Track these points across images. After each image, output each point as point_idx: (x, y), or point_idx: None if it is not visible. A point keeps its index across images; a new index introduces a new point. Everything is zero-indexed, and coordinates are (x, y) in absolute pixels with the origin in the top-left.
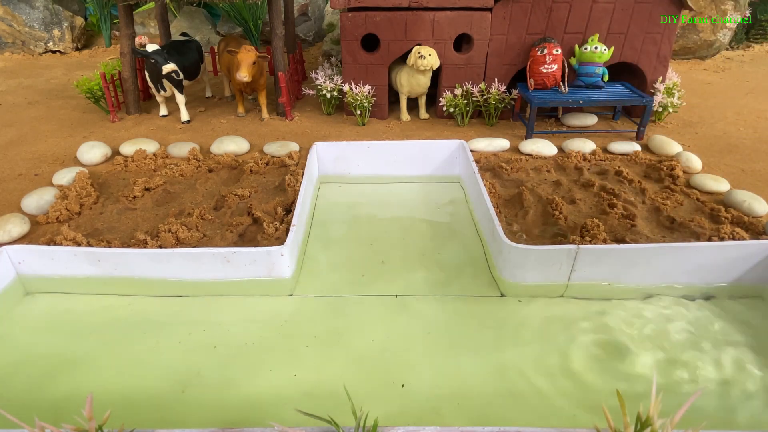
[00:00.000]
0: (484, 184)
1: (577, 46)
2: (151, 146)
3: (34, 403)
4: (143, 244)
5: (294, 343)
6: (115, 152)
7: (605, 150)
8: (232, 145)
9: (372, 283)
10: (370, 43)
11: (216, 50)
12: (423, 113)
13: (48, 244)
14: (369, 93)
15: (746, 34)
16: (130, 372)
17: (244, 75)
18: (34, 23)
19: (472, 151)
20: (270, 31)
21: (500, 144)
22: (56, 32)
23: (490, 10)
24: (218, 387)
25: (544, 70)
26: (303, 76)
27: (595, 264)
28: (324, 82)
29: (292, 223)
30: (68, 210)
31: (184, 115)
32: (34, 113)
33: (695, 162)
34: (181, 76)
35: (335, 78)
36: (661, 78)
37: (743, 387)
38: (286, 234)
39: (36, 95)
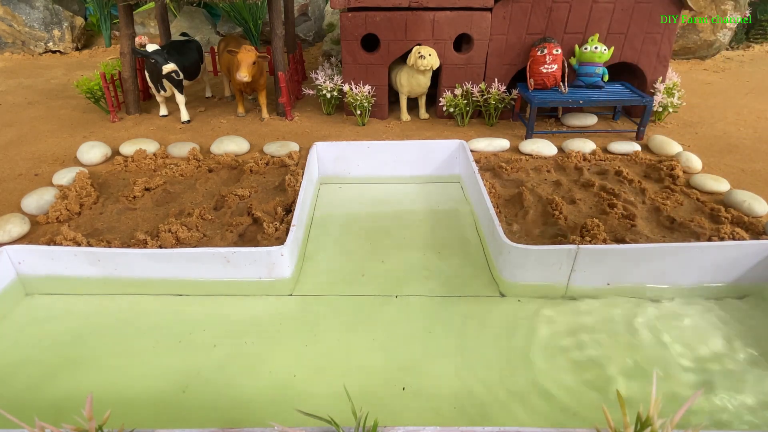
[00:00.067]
0: (484, 184)
1: (577, 46)
2: (151, 146)
3: (34, 403)
4: (143, 244)
5: (294, 343)
6: (115, 152)
7: (605, 150)
8: (232, 145)
9: (372, 283)
10: (370, 43)
11: (216, 50)
12: (423, 113)
13: (48, 244)
14: (369, 93)
15: (746, 34)
16: (130, 372)
17: (244, 75)
18: (34, 23)
19: (472, 151)
20: (270, 31)
21: (500, 144)
22: (56, 32)
23: (490, 10)
24: (218, 387)
25: (544, 70)
26: (303, 76)
27: (595, 264)
28: (324, 82)
29: (292, 223)
30: (68, 210)
31: (184, 115)
32: (34, 113)
33: (695, 162)
34: (181, 76)
35: (335, 78)
36: (661, 78)
37: (743, 386)
38: (286, 234)
39: (36, 95)
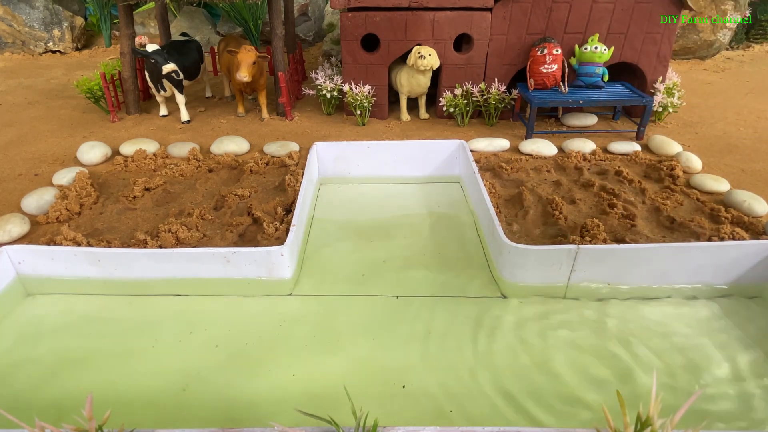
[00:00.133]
0: (484, 184)
1: (577, 46)
2: (151, 146)
3: (34, 403)
4: (143, 244)
5: (294, 343)
6: (115, 152)
7: (605, 150)
8: (232, 145)
9: (372, 283)
10: (370, 43)
11: (216, 50)
12: (423, 113)
13: (48, 244)
14: (369, 93)
15: (746, 34)
16: (130, 372)
17: (244, 75)
18: (34, 23)
19: (472, 151)
20: (270, 31)
21: (500, 144)
22: (56, 32)
23: (490, 10)
24: (218, 387)
25: (544, 70)
26: (303, 76)
27: (595, 264)
28: (324, 82)
29: (292, 223)
30: (68, 210)
31: (184, 115)
32: (34, 113)
33: (695, 162)
34: (181, 76)
35: (335, 78)
36: (661, 78)
37: (743, 386)
38: (286, 234)
39: (36, 95)
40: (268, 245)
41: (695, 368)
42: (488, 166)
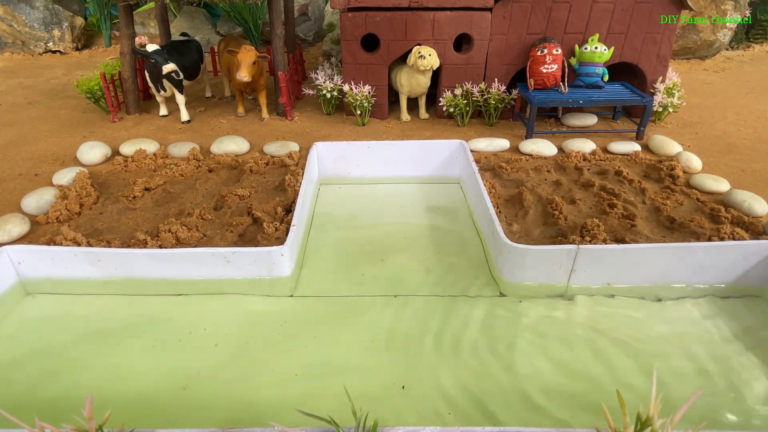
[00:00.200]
0: (484, 184)
1: (577, 46)
2: (151, 146)
3: (34, 403)
4: (143, 244)
5: (294, 343)
6: (115, 152)
7: (605, 150)
8: (232, 145)
9: (372, 282)
10: (370, 43)
11: (216, 50)
12: (423, 113)
13: (48, 244)
14: (369, 93)
15: (746, 34)
16: (130, 372)
17: (244, 75)
18: (34, 23)
19: (472, 151)
20: (270, 31)
21: (500, 144)
22: (56, 32)
23: (490, 10)
24: (218, 387)
25: (544, 70)
26: (303, 76)
27: (595, 264)
28: (324, 82)
29: (292, 223)
30: (68, 210)
31: (184, 115)
32: (34, 113)
33: (695, 162)
34: (181, 76)
35: (335, 78)
36: (661, 78)
37: (743, 387)
38: (286, 234)
39: (36, 95)
40: (268, 245)
41: (695, 368)
42: (488, 166)
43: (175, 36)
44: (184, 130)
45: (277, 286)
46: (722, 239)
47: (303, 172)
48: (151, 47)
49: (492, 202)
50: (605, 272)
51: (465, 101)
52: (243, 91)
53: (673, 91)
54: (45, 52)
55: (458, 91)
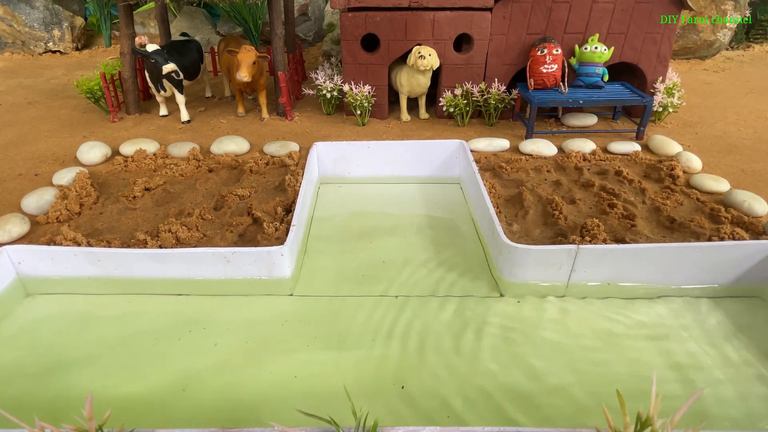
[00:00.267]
0: (484, 184)
1: (577, 46)
2: (151, 146)
3: (34, 403)
4: (143, 244)
5: (294, 343)
6: (115, 152)
7: (605, 150)
8: (232, 145)
9: (372, 283)
10: (370, 43)
11: (216, 50)
12: (423, 113)
13: (48, 244)
14: (369, 93)
15: (746, 34)
16: (130, 372)
17: (244, 75)
18: (34, 23)
19: (472, 151)
20: (270, 31)
21: (500, 144)
22: (56, 32)
23: (490, 10)
24: (218, 387)
25: (544, 70)
26: (303, 76)
27: (595, 264)
28: (324, 82)
29: (292, 223)
30: (68, 210)
31: (184, 115)
32: (34, 113)
33: (695, 162)
34: (181, 76)
35: (335, 78)
36: (661, 78)
37: (743, 387)
38: (286, 234)
39: (36, 95)
40: (268, 245)
41: (694, 368)
42: (488, 166)
43: (175, 36)
44: (184, 130)
45: (277, 286)
46: (722, 239)
47: (303, 172)
48: (151, 47)
49: (492, 202)
50: (605, 272)
51: (465, 101)
52: (243, 91)
53: (673, 91)
54: (45, 52)
55: (458, 91)
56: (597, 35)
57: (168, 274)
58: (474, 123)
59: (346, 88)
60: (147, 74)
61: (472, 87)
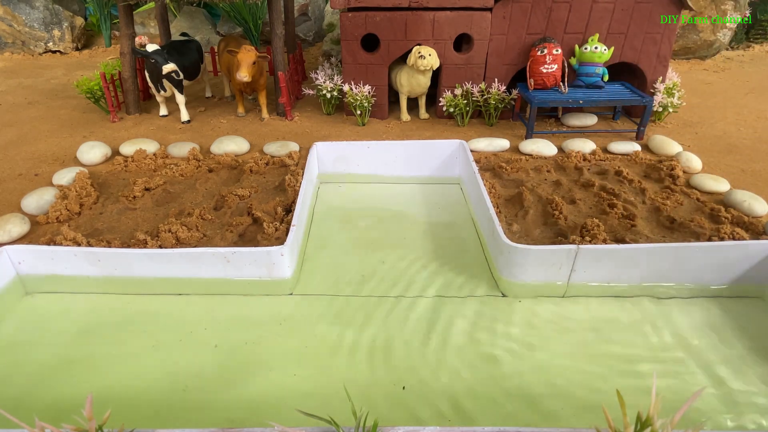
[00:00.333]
0: (484, 184)
1: (577, 46)
2: (151, 146)
3: (34, 403)
4: (143, 244)
5: (294, 343)
6: (115, 152)
7: (605, 150)
8: (232, 145)
9: (372, 283)
10: (370, 43)
11: (216, 50)
12: (423, 113)
13: (48, 244)
14: (369, 93)
15: (746, 34)
16: (130, 372)
17: (244, 75)
18: (34, 23)
19: (472, 151)
20: (270, 31)
21: (500, 144)
22: (56, 32)
23: (490, 10)
24: (218, 387)
25: (544, 70)
26: (303, 76)
27: (595, 264)
28: (324, 82)
29: (292, 223)
30: (68, 210)
31: (184, 115)
32: (34, 113)
33: (695, 162)
34: (181, 76)
35: (335, 78)
36: (661, 78)
37: (743, 387)
38: (286, 234)
39: (36, 95)
40: (268, 245)
41: (694, 369)
42: (488, 166)
43: (175, 36)
44: (184, 130)
45: (277, 286)
46: (722, 239)
47: (303, 172)
48: (151, 47)
49: (492, 202)
50: (605, 272)
51: (465, 101)
52: (243, 91)
53: (673, 91)
54: (45, 52)
55: (458, 91)
56: (597, 35)
57: (168, 274)
58: (474, 123)
59: (346, 88)
60: (147, 74)
61: (472, 87)
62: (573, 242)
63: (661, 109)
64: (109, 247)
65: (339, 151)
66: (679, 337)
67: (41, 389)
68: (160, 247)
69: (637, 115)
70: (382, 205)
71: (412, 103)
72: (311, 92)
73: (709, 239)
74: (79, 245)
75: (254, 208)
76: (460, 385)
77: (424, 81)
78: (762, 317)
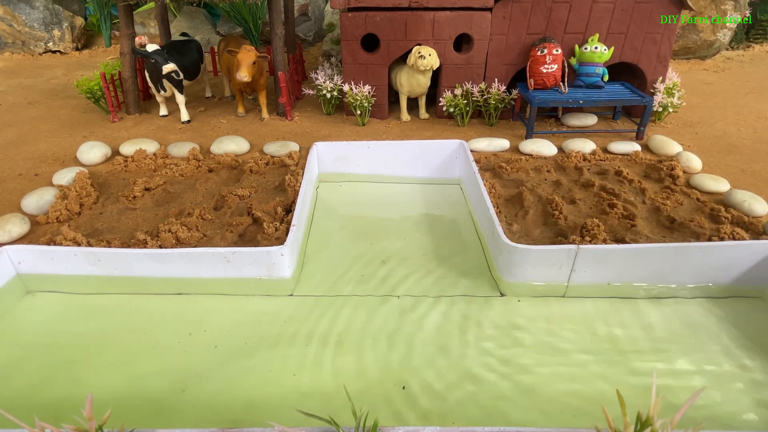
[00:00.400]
0: (484, 184)
1: (577, 46)
2: (151, 146)
3: (34, 403)
4: (143, 244)
5: (294, 343)
6: (115, 152)
7: (605, 150)
8: (232, 145)
9: (372, 283)
10: (370, 43)
11: (216, 50)
12: (423, 113)
13: (48, 244)
14: (369, 93)
15: (746, 34)
16: (130, 372)
17: (244, 75)
18: (34, 23)
19: (472, 151)
20: (270, 31)
21: (500, 144)
22: (56, 32)
23: (490, 10)
24: (218, 387)
25: (544, 70)
26: (303, 76)
27: (595, 264)
28: (324, 82)
29: (292, 223)
30: (68, 210)
31: (184, 115)
32: (34, 113)
33: (695, 162)
34: (181, 76)
35: (335, 78)
36: (661, 78)
37: (743, 387)
38: (286, 234)
39: (36, 95)
40: (268, 245)
41: (695, 368)
42: (488, 166)
43: (175, 36)
44: (184, 130)
45: (277, 286)
46: (722, 239)
47: (303, 172)
48: (151, 47)
49: (492, 202)
50: (605, 272)
51: (465, 101)
52: (243, 91)
53: (673, 91)
54: (45, 52)
55: (458, 91)
56: (597, 35)
57: (168, 273)
58: (474, 123)
59: (346, 88)
60: (147, 74)
61: (472, 87)
62: (573, 242)
63: (661, 109)
64: (109, 247)
65: (339, 151)
66: (680, 337)
67: (41, 389)
68: (160, 247)
69: (637, 115)
70: (382, 206)
71: (412, 103)
72: (311, 92)
73: (709, 239)
74: (79, 245)
75: (254, 208)
76: (460, 385)
77: (424, 81)
78: (762, 317)
